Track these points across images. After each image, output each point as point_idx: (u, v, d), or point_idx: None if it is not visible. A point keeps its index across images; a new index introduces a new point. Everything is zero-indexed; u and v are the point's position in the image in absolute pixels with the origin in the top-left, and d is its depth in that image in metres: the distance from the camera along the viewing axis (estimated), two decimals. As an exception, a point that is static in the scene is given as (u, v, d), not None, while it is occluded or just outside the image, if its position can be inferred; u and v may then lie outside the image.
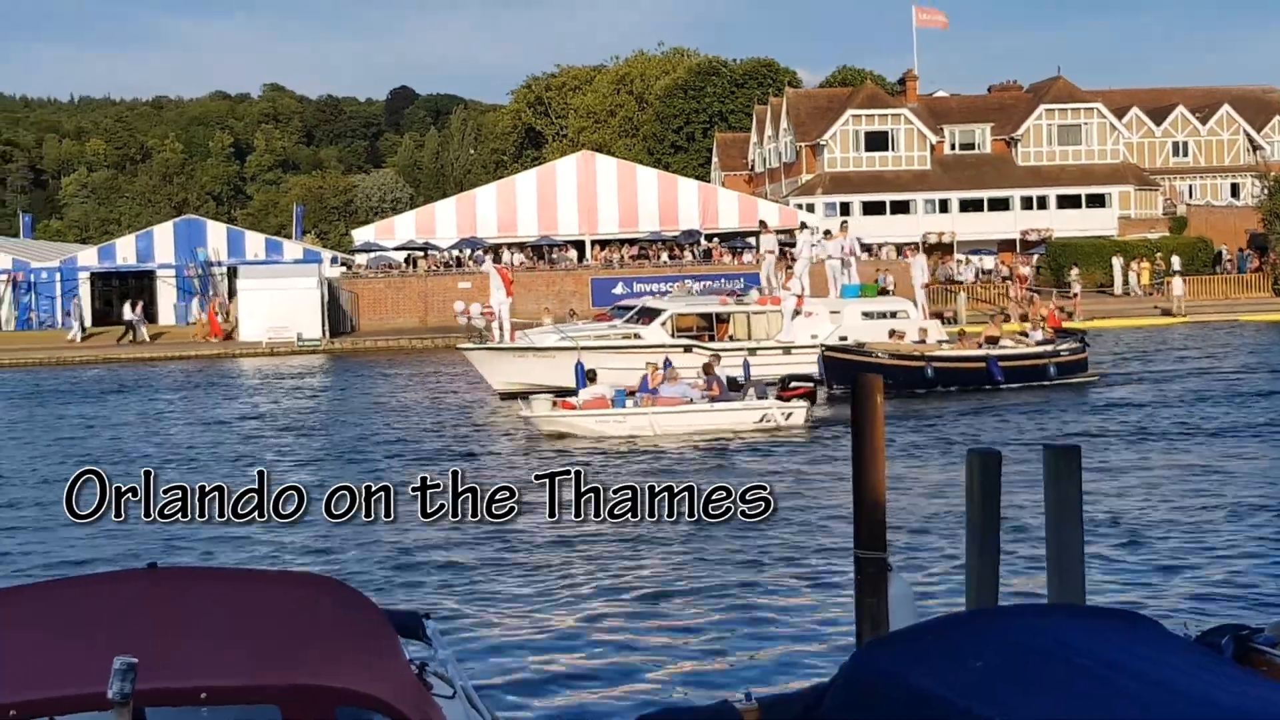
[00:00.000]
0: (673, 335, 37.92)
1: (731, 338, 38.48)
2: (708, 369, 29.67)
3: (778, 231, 73.94)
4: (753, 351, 37.10)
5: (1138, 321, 59.68)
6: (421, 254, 69.35)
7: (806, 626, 13.47)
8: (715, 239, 70.55)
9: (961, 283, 66.25)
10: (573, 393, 29.95)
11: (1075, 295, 62.99)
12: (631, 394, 28.92)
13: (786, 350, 37.50)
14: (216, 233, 72.05)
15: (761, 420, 28.23)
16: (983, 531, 9.91)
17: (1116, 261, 69.74)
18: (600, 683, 11.95)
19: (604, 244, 71.18)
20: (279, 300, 60.21)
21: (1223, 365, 40.03)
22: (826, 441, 26.88)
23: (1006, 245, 78.01)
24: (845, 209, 78.87)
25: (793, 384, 29.37)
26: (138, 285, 70.83)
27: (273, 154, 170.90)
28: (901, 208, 79.88)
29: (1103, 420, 29.05)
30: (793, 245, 43.51)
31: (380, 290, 64.99)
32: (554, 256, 69.59)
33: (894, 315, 38.86)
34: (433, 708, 5.56)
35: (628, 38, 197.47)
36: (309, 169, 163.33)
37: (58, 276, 69.25)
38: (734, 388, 29.24)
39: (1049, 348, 36.54)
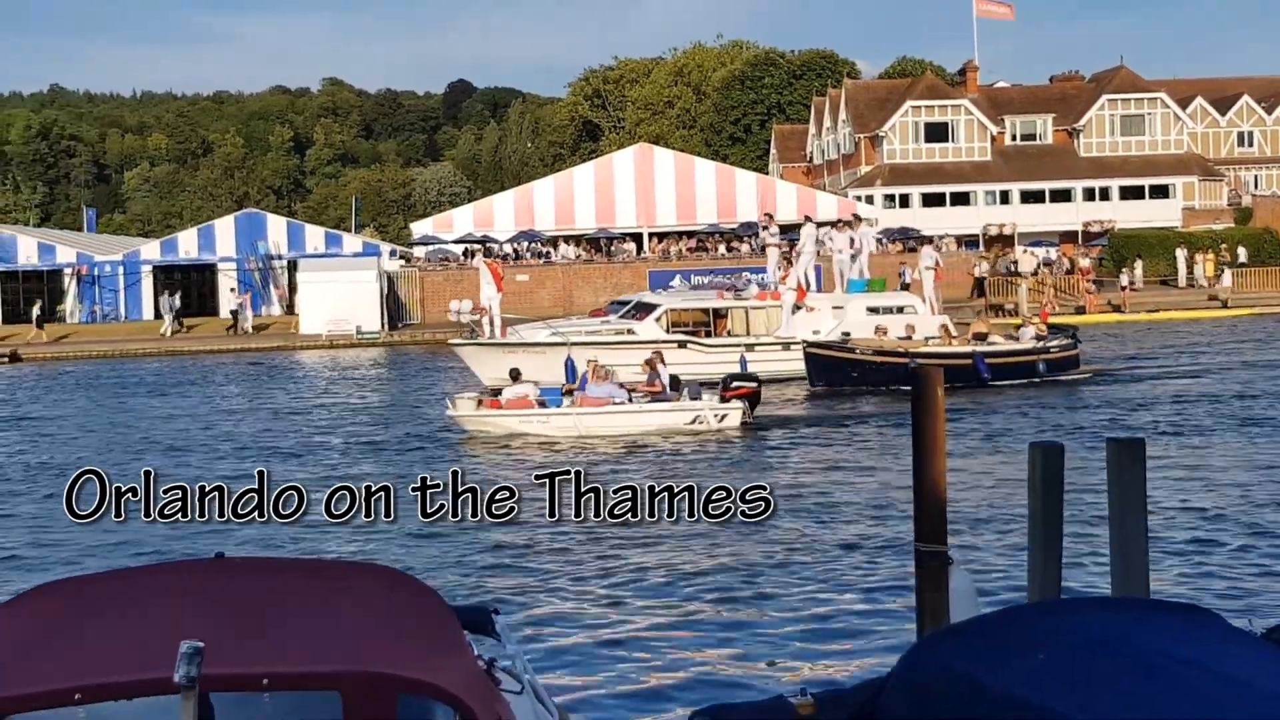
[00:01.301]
0: (668, 331, 37.42)
1: (729, 333, 37.88)
2: (650, 364, 28.50)
3: (833, 224, 73.92)
4: (750, 347, 36.50)
5: (1192, 314, 59.02)
6: (479, 247, 69.58)
7: (863, 621, 13.40)
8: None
9: (982, 274, 65.80)
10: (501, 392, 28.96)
11: (1124, 287, 62.39)
12: (569, 392, 28.03)
13: (786, 346, 36.86)
14: (277, 226, 72.67)
15: (694, 422, 27.15)
16: (1045, 525, 9.81)
17: (1180, 253, 68.99)
18: (659, 678, 11.95)
19: (662, 236, 71.20)
20: (338, 293, 60.61)
21: (1242, 360, 39.25)
22: (767, 444, 25.99)
23: (1069, 237, 77.35)
24: (905, 201, 78.54)
25: (734, 384, 28.23)
26: (205, 278, 71.52)
27: (332, 148, 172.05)
28: (961, 199, 79.37)
29: (1089, 416, 28.44)
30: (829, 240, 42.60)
31: (439, 283, 65.27)
32: (611, 249, 69.67)
33: (901, 310, 37.83)
34: (500, 702, 5.55)
35: (685, 30, 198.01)
36: (368, 163, 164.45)
37: (120, 270, 70.05)
38: (675, 386, 28.16)
39: (1039, 344, 35.65)
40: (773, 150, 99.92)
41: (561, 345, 35.54)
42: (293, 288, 65.74)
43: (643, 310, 38.41)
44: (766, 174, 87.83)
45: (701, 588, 14.88)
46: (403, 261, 70.53)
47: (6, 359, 56.42)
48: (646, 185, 71.17)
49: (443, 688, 4.94)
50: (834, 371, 34.29)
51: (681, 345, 36.71)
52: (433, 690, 4.93)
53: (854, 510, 18.98)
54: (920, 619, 9.66)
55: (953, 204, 79.06)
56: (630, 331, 37.42)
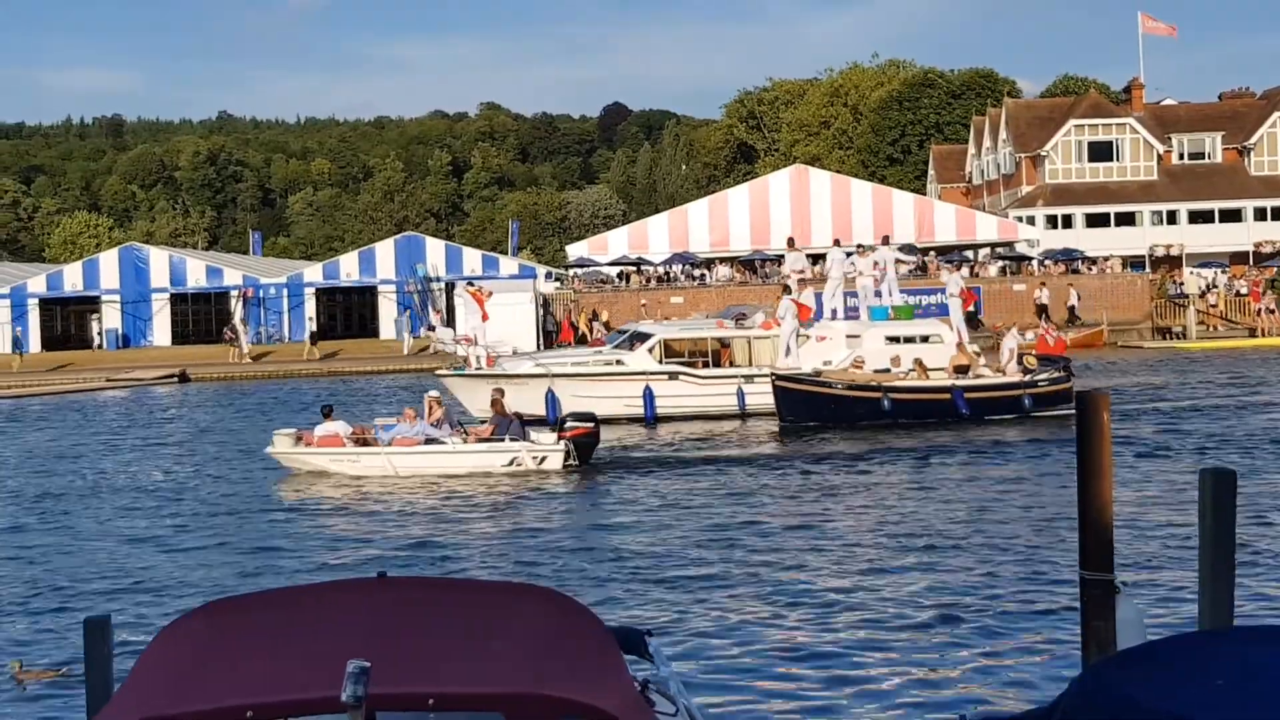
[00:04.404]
0: (661, 361, 35.77)
1: (733, 364, 36.23)
2: (494, 403, 27.45)
3: (994, 245, 72.97)
4: (749, 379, 34.94)
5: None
6: (634, 269, 69.94)
7: (1024, 649, 13.15)
8: (931, 252, 69.66)
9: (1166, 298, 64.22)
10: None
11: (1275, 311, 60.55)
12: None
13: None
14: (435, 249, 73.91)
15: (511, 464, 25.93)
16: (1216, 551, 9.52)
17: (1357, 274, 66.89)
18: (817, 702, 11.83)
19: (817, 258, 70.76)
20: (495, 315, 61.27)
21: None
22: (567, 489, 24.40)
23: (1239, 258, 75.28)
24: (1067, 221, 77.22)
25: (568, 425, 26.72)
26: (365, 300, 73.02)
27: (489, 171, 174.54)
28: (1126, 220, 77.76)
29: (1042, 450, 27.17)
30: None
31: (594, 305, 65.72)
32: (767, 271, 69.50)
33: (926, 340, 34.98)
34: None
35: (841, 50, 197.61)
36: (524, 186, 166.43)
37: (284, 292, 71.80)
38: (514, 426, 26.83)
39: (1026, 378, 33.19)
40: (931, 171, 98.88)
41: (543, 377, 34.88)
42: (450, 310, 66.78)
43: (637, 340, 36.76)
44: (924, 195, 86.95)
45: (854, 611, 14.71)
46: (558, 284, 71.18)
47: (176, 379, 58.11)
48: (802, 207, 70.86)
49: (604, 710, 4.92)
50: (804, 406, 32.20)
51: (673, 377, 35.37)
52: (594, 713, 4.92)
53: (1034, 535, 18.64)
54: (1086, 648, 9.43)
55: (1117, 224, 77.47)
56: (619, 362, 35.92)
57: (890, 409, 31.79)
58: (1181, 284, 67.00)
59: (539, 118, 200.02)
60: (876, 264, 38.39)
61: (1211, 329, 62.44)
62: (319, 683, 4.73)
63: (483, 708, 5.00)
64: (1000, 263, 70.05)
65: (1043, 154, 79.40)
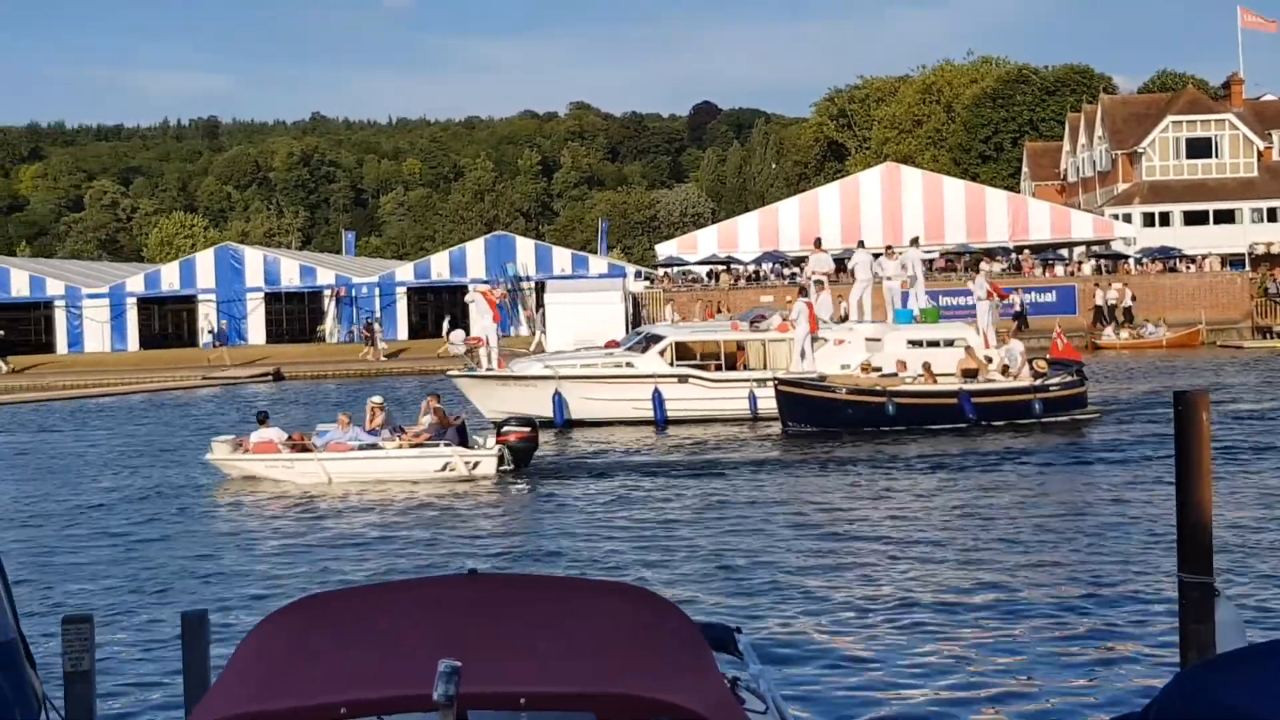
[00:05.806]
0: (672, 364, 35.22)
1: (747, 367, 35.44)
2: (436, 410, 27.19)
3: (1089, 243, 72.02)
4: (761, 383, 34.08)
5: None
6: (724, 268, 69.81)
7: (1117, 653, 12.98)
8: (1025, 250, 68.91)
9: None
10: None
11: None
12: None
13: None
14: (525, 249, 74.28)
15: (444, 469, 25.88)
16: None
17: None
18: (907, 703, 11.76)
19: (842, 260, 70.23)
20: (584, 314, 61.51)
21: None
22: (494, 496, 24.34)
23: (1341, 256, 73.80)
24: (1165, 219, 76.10)
25: (505, 429, 26.62)
26: (457, 300, 73.41)
27: (579, 171, 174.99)
28: (1226, 217, 76.45)
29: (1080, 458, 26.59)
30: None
31: (683, 304, 65.61)
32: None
33: (951, 344, 34.00)
34: None
35: (933, 48, 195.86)
36: (614, 185, 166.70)
37: (376, 291, 72.47)
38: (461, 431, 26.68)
39: (1036, 382, 32.25)
40: (1024, 168, 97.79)
41: (551, 379, 34.63)
42: (540, 308, 67.06)
43: (650, 342, 36.33)
44: (1018, 192, 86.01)
45: (952, 611, 14.60)
46: (647, 283, 71.25)
47: (270, 378, 58.87)
48: (894, 205, 70.36)
49: (694, 710, 4.90)
50: (806, 411, 31.71)
51: (682, 380, 34.89)
52: (684, 713, 4.89)
53: (1131, 538, 18.39)
54: (1184, 652, 9.30)
55: (1216, 222, 76.19)
56: (629, 365, 35.52)
57: (895, 414, 31.17)
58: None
59: (628, 117, 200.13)
60: (905, 268, 37.59)
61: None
62: (411, 680, 4.74)
63: (574, 707, 5.00)
64: (1095, 261, 69.19)
65: (1140, 151, 78.30)
